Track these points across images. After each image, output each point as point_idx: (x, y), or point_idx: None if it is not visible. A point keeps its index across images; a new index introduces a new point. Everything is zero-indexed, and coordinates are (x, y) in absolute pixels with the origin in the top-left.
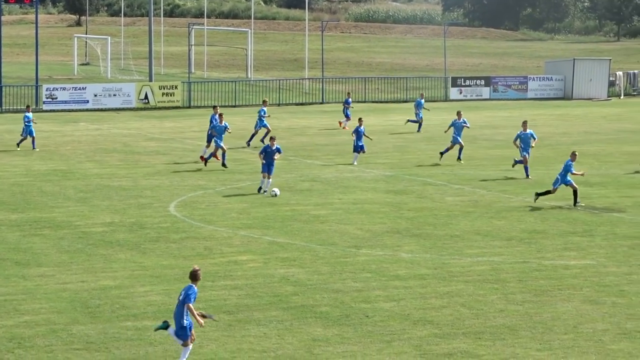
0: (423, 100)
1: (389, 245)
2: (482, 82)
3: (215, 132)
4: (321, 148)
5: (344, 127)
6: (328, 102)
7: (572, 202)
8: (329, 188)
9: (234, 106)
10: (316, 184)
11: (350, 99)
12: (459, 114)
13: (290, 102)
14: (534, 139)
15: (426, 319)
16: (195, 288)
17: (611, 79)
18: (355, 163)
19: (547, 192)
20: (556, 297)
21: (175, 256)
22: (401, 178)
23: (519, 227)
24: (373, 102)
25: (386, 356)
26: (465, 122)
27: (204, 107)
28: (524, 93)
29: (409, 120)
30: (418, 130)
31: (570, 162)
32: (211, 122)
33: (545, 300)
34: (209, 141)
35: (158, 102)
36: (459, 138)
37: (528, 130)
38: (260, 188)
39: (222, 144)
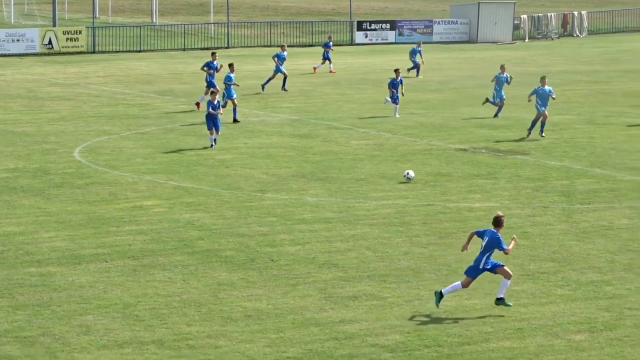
0: (418, 48)
1: (295, 189)
2: (388, 25)
3: (228, 84)
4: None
5: (331, 72)
6: (234, 47)
7: (478, 145)
8: (234, 132)
9: (139, 51)
10: (223, 127)
11: (331, 42)
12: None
13: (196, 47)
14: (552, 96)
15: (331, 262)
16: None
17: (516, 22)
18: (397, 115)
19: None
20: (460, 239)
21: (80, 202)
22: (307, 122)
23: (424, 170)
24: (278, 46)
25: (291, 299)
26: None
27: (109, 52)
28: (430, 36)
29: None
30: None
31: (542, 88)
32: (209, 67)
33: (450, 243)
34: (208, 87)
35: (62, 47)
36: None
37: (547, 87)
38: (212, 145)
39: (234, 97)
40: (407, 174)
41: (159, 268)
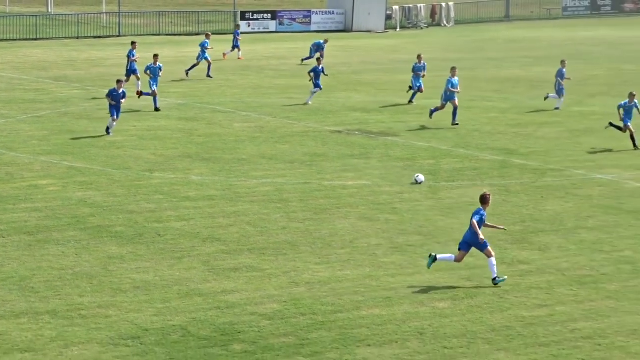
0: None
1: (181, 169)
2: (269, 15)
3: (150, 74)
4: (117, 77)
5: (239, 58)
6: (124, 35)
7: (352, 128)
8: (124, 115)
9: (35, 39)
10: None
11: (239, 30)
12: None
13: (89, 35)
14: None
15: (214, 237)
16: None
17: (388, 12)
18: (310, 102)
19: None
20: (334, 214)
21: None
22: (192, 106)
23: (301, 150)
24: (167, 34)
25: (177, 271)
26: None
27: (6, 40)
28: (308, 26)
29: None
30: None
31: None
32: (129, 57)
33: (325, 218)
34: (128, 75)
35: None
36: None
37: (456, 78)
38: (108, 128)
39: (155, 88)
40: (417, 177)
41: (53, 243)
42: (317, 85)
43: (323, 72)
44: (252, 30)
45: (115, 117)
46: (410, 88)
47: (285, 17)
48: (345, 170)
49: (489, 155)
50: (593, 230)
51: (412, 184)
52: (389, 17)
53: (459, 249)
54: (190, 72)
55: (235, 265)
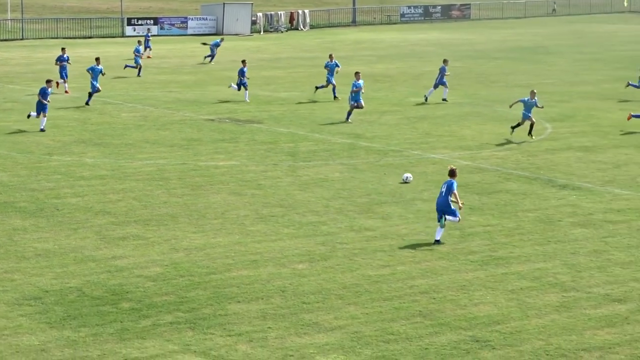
0: (220, 42)
1: (76, 153)
2: (152, 21)
3: (92, 74)
4: (21, 75)
5: (148, 57)
6: (27, 39)
7: (223, 116)
8: (26, 107)
9: None
10: (17, 104)
11: (150, 34)
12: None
13: None
14: (362, 90)
15: (105, 211)
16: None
17: (253, 18)
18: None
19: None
20: (208, 190)
21: None
22: (85, 99)
23: (180, 136)
24: (64, 38)
25: (73, 241)
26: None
27: None
28: (185, 30)
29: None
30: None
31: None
32: (61, 60)
33: (200, 193)
34: (63, 77)
35: None
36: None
37: (360, 81)
38: (29, 115)
39: (98, 86)
40: (407, 178)
41: None
42: (243, 83)
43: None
44: (137, 34)
45: (43, 113)
46: (317, 88)
47: (165, 22)
48: (218, 153)
49: (339, 139)
50: (427, 202)
51: (401, 182)
52: (254, 22)
53: (438, 220)
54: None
55: (124, 235)
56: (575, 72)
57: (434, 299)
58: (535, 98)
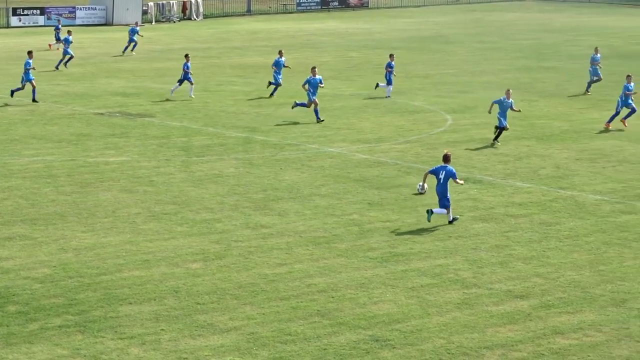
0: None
1: None
2: (38, 11)
3: (27, 68)
4: None
5: (53, 49)
6: None
7: (113, 110)
8: None
9: None
10: None
11: (60, 25)
12: (313, 70)
13: None
14: (321, 85)
15: None
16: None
17: (144, 8)
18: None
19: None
20: (98, 187)
21: None
22: None
23: (68, 131)
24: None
25: None
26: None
27: None
28: (74, 20)
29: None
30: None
31: (313, 77)
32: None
33: (90, 191)
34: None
35: None
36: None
37: (318, 76)
38: None
39: (33, 79)
40: (421, 188)
41: None
42: (187, 78)
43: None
44: (23, 25)
45: None
46: (271, 83)
47: (52, 12)
48: (108, 148)
49: (234, 133)
50: (325, 197)
51: (415, 194)
52: (145, 12)
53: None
54: (68, 64)
55: (9, 235)
56: (476, 61)
57: (333, 297)
58: (511, 99)
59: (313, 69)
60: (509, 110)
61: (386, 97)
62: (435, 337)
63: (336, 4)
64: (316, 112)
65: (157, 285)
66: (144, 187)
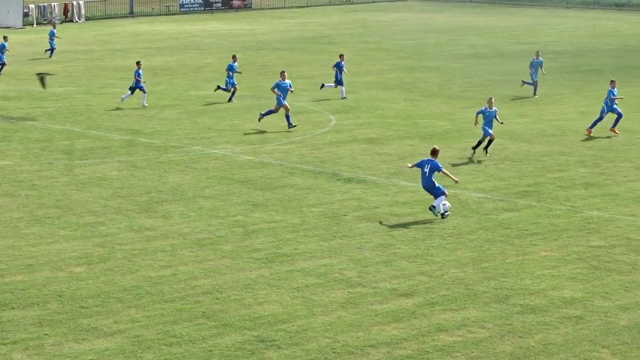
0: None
1: None
2: None
3: None
4: None
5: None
6: None
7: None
8: None
9: None
10: None
11: None
12: (282, 74)
13: None
14: (290, 89)
15: None
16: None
17: (25, 10)
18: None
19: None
20: None
21: None
22: None
23: None
24: None
25: None
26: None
27: None
28: None
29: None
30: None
31: (283, 82)
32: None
33: None
34: None
35: None
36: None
37: (287, 81)
38: None
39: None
40: (445, 208)
41: None
42: (139, 86)
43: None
44: None
45: None
46: (219, 88)
47: None
48: None
49: (117, 135)
50: (210, 199)
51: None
52: (26, 15)
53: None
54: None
55: None
56: (359, 62)
57: (218, 299)
58: (495, 108)
59: (282, 73)
60: (494, 120)
61: (342, 97)
62: (320, 336)
63: (219, 5)
64: (287, 117)
65: (40, 290)
66: (26, 191)
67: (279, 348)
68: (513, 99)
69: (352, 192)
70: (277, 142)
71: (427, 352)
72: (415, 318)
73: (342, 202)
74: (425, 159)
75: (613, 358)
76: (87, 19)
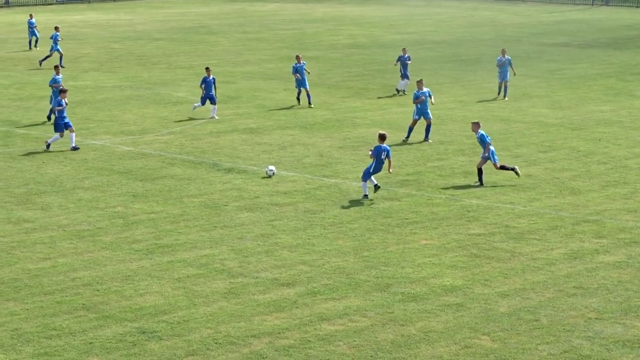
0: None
1: None
2: None
3: None
4: None
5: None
6: None
7: None
8: None
9: None
10: None
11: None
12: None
13: None
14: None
15: None
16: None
17: None
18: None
19: None
20: None
21: None
22: None
23: None
24: None
25: None
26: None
27: None
28: None
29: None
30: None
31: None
32: None
33: None
34: None
35: None
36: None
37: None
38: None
39: None
40: (271, 171)
41: None
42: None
43: None
44: None
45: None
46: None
47: None
48: None
49: None
50: (89, 190)
51: (264, 177)
52: None
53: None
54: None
55: None
56: (239, 52)
57: (98, 291)
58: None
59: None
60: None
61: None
62: (202, 327)
63: None
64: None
65: None
66: None
67: (160, 339)
68: (392, 89)
69: (233, 182)
70: (157, 132)
71: (310, 341)
72: (297, 308)
73: (222, 193)
74: (381, 145)
75: (493, 344)
76: None
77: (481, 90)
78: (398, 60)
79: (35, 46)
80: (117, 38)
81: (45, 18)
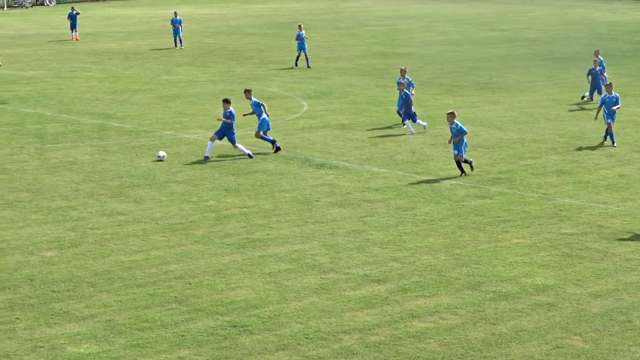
0: None
1: None
2: None
3: None
4: None
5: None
6: None
7: None
8: None
9: None
10: None
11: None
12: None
13: None
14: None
15: None
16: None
17: None
18: None
19: None
20: None
21: None
22: None
23: None
24: None
25: None
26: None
27: None
28: None
29: None
30: None
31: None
32: None
33: None
34: None
35: None
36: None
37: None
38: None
39: None
40: (162, 156)
41: None
42: None
43: None
44: None
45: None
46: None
47: None
48: None
49: (89, 120)
50: (182, 183)
51: (155, 161)
52: None
53: None
54: None
55: None
56: (331, 47)
57: (190, 284)
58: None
59: (247, 91)
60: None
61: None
62: (293, 322)
63: None
64: None
65: (11, 274)
66: None
67: (251, 333)
68: (484, 86)
69: (324, 177)
70: (249, 127)
71: (400, 338)
72: (387, 304)
73: (314, 188)
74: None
75: (585, 345)
76: (58, 2)
77: (574, 89)
78: (589, 74)
79: (181, 45)
80: (211, 32)
81: (140, 12)
